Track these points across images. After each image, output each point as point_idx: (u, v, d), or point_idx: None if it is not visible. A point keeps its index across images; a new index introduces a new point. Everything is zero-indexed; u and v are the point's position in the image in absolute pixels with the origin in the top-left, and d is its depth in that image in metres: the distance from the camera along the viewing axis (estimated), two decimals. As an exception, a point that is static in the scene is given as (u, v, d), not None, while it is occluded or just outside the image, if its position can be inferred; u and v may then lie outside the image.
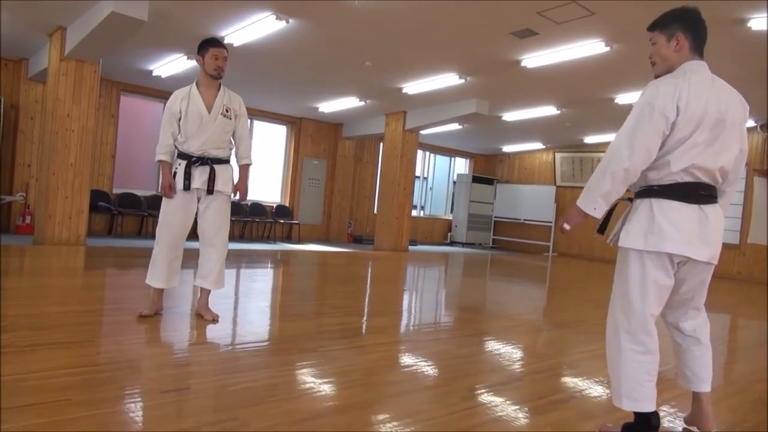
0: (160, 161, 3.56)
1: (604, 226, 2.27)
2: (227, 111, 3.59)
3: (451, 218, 15.83)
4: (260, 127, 12.13)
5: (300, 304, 4.80)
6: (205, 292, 3.68)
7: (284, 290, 5.75)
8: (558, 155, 14.65)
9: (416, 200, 15.00)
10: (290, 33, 7.00)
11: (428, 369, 2.98)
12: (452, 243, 15.51)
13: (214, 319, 3.60)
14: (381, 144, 13.73)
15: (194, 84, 3.60)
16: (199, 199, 3.60)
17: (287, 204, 12.49)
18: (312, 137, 12.72)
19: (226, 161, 3.66)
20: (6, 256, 6.50)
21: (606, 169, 2.01)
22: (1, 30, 6.85)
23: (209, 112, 3.52)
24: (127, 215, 10.02)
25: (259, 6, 6.25)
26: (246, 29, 6.92)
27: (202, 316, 3.63)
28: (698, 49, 2.13)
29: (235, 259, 7.44)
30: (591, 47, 6.82)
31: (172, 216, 3.54)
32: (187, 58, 8.25)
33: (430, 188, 15.59)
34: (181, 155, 3.53)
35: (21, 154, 8.93)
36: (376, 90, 9.76)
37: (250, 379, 2.52)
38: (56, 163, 7.35)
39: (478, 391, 2.64)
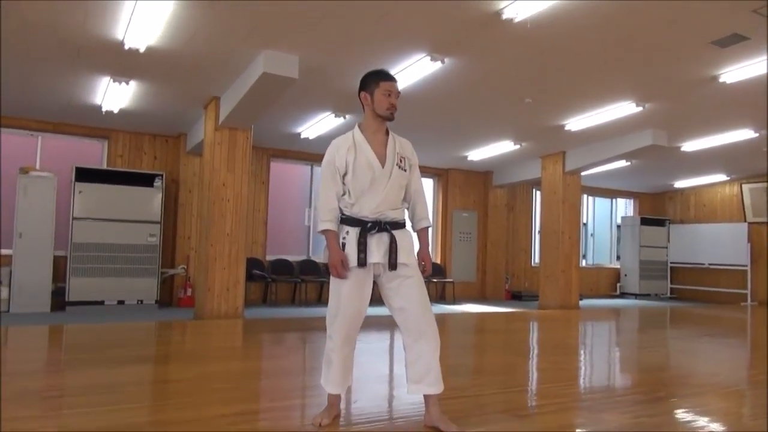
0: (324, 231, 2.72)
1: None
2: (402, 161, 2.79)
3: (618, 267, 14.09)
4: (406, 182, 11.62)
5: (501, 391, 3.85)
6: (432, 399, 2.76)
7: (473, 369, 4.83)
8: (746, 187, 12.54)
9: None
10: (444, 75, 6.36)
11: None
12: (623, 295, 13.71)
13: None
14: (534, 190, 12.67)
15: (356, 129, 2.80)
16: (376, 277, 2.78)
17: (439, 261, 11.71)
18: (460, 188, 11.97)
19: (404, 224, 2.82)
20: (170, 334, 6.32)
21: None
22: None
23: (383, 164, 2.73)
24: (280, 282, 9.80)
25: (413, 47, 5.68)
26: (399, 75, 6.39)
27: (441, 430, 2.70)
28: None
29: (390, 325, 6.74)
30: (823, 46, 5.41)
31: (347, 302, 2.71)
32: (335, 116, 7.93)
33: (591, 234, 14.06)
34: (350, 221, 2.73)
35: (181, 226, 9.08)
36: (534, 130, 8.82)
37: None
38: (213, 233, 7.21)
39: None
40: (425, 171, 11.69)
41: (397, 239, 2.72)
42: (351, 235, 2.71)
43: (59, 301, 7.86)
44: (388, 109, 2.76)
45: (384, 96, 2.76)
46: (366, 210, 2.71)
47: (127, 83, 6.63)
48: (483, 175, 12.18)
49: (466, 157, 10.67)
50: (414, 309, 2.71)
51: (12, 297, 7.59)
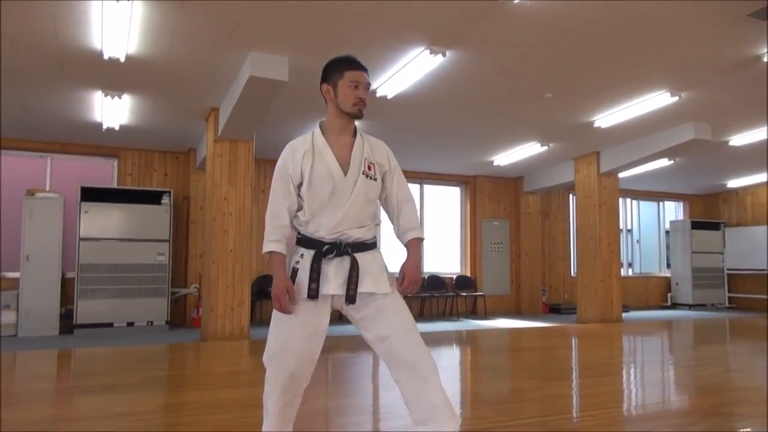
0: (270, 253, 2.22)
1: None
2: (370, 168, 2.26)
3: (668, 275, 13.05)
4: (430, 191, 11.08)
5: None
6: None
7: (493, 397, 4.24)
8: (810, 183, 11.38)
9: (622, 257, 12.63)
10: (448, 70, 5.84)
11: None
12: (675, 305, 12.66)
13: None
14: (571, 195, 11.88)
15: (317, 130, 2.29)
16: (339, 310, 2.25)
17: (468, 274, 11.06)
18: (489, 196, 11.31)
19: (372, 245, 2.29)
20: (174, 358, 6.01)
21: None
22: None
23: (345, 172, 2.22)
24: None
25: (409, 40, 5.19)
26: (399, 74, 5.92)
27: None
28: None
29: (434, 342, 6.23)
30: None
31: (290, 342, 2.19)
32: (342, 123, 7.50)
33: (637, 241, 13.10)
34: (305, 242, 2.23)
35: (193, 244, 8.80)
36: (560, 129, 8.13)
37: None
38: (216, 250, 6.86)
39: None
40: (450, 179, 11.11)
41: (359, 264, 2.18)
42: (305, 259, 2.18)
43: (67, 324, 7.67)
44: (355, 104, 2.23)
45: (350, 88, 2.22)
46: (323, 229, 2.19)
47: (120, 97, 6.40)
48: (513, 181, 11.50)
49: (492, 162, 10.03)
50: (396, 335, 2.14)
51: (20, 321, 7.45)
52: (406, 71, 5.83)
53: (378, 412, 3.66)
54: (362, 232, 2.23)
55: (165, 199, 8.17)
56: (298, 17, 4.72)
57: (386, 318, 2.17)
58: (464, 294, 10.49)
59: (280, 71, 5.51)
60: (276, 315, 2.23)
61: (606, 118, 7.52)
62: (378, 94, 6.42)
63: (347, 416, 3.52)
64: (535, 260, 11.45)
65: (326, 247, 2.17)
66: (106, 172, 8.73)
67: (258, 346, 6.55)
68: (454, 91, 6.48)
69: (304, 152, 2.22)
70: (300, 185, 2.22)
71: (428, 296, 10.21)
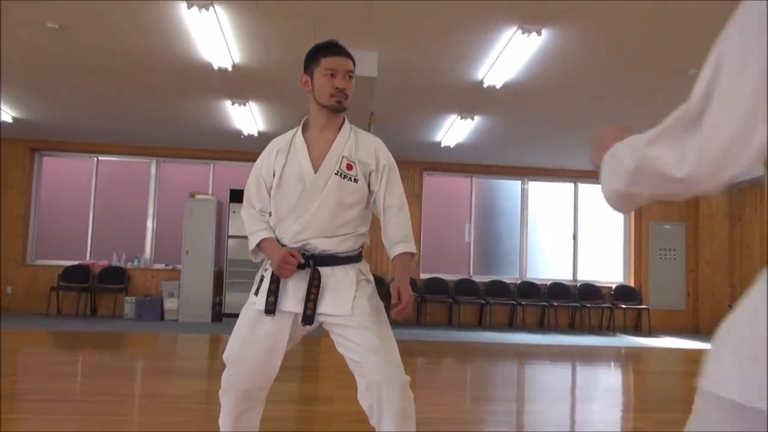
0: (258, 246, 2.07)
1: None
2: (350, 167, 2.01)
3: None
4: (585, 190, 10.05)
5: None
6: None
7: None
8: None
9: None
10: (553, 51, 5.23)
11: None
12: None
13: None
14: (770, 193, 9.83)
15: (299, 126, 2.11)
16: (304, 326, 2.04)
17: (631, 284, 9.77)
18: (659, 195, 9.87)
19: (349, 258, 2.03)
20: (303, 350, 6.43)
21: None
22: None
23: (316, 171, 2.01)
24: (432, 302, 9.19)
25: (497, 19, 4.74)
26: (499, 60, 5.46)
27: None
28: None
29: (559, 358, 6.14)
30: None
31: (245, 350, 2.02)
32: (461, 118, 7.18)
33: None
34: None
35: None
36: (726, 112, 6.75)
37: None
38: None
39: None
40: (611, 177, 9.93)
41: (325, 281, 1.94)
42: (269, 271, 2.01)
43: (218, 312, 8.53)
44: (332, 95, 2.00)
45: (325, 77, 2.00)
46: (286, 236, 2.01)
47: (245, 105, 6.92)
48: (690, 177, 9.87)
49: (654, 155, 8.73)
50: (362, 356, 1.92)
51: (180, 308, 8.47)
52: (505, 56, 5.36)
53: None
54: (332, 244, 1.97)
55: (301, 200, 8.64)
56: (368, 6, 4.62)
57: (353, 337, 1.91)
58: (624, 306, 9.29)
59: (369, 67, 5.44)
60: (240, 316, 2.08)
61: (786, 95, 6.04)
62: (485, 85, 6.02)
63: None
64: (719, 271, 9.69)
65: None
66: (258, 176, 9.53)
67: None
68: (570, 74, 5.79)
69: (278, 150, 2.06)
70: (272, 187, 2.06)
71: (579, 307, 9.24)
